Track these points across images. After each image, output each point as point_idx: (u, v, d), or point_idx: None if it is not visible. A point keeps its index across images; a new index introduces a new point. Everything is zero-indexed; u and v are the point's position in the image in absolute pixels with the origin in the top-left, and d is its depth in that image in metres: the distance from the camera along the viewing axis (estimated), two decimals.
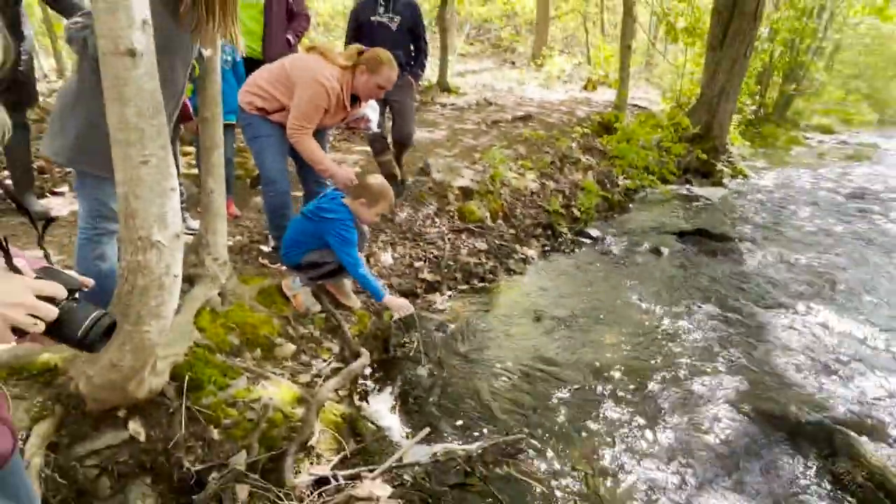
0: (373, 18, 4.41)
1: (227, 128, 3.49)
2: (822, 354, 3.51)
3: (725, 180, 8.84)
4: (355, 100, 3.32)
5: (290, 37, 4.10)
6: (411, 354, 3.30)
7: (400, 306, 3.13)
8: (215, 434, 2.25)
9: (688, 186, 8.35)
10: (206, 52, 2.42)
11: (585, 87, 12.98)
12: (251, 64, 3.76)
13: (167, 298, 1.92)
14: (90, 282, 0.99)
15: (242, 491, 2.12)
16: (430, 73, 11.25)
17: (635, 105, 11.66)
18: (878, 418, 2.88)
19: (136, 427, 2.20)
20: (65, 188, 4.29)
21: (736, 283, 4.71)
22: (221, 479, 2.11)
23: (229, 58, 3.57)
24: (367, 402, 2.82)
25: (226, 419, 2.29)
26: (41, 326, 0.86)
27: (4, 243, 0.88)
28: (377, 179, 3.09)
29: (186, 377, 2.32)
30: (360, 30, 4.45)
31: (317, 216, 3.05)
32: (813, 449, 2.60)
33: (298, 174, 3.53)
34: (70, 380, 2.12)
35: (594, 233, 5.76)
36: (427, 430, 2.44)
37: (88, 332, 0.92)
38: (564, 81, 13.56)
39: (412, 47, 4.58)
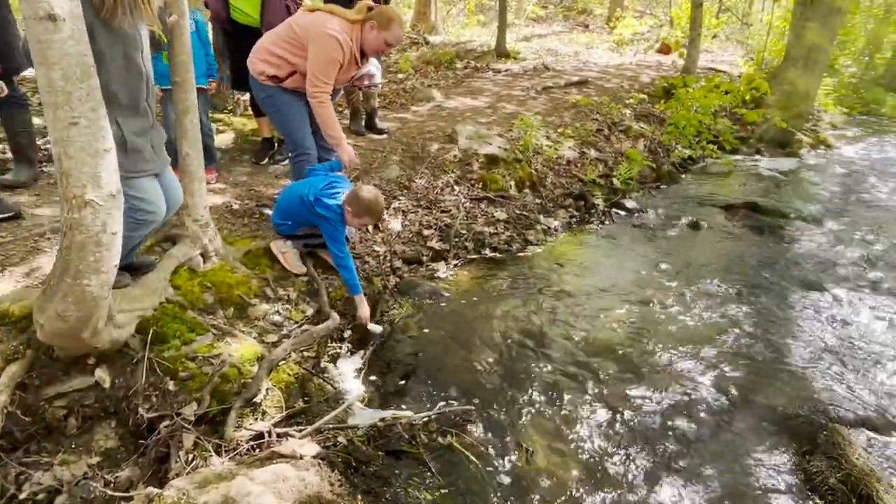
0: None
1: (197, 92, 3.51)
2: (845, 348, 3.15)
3: (803, 151, 8.03)
4: (362, 56, 3.31)
5: (289, 4, 4.09)
6: (397, 322, 3.31)
7: (364, 317, 3.12)
8: (171, 385, 2.38)
9: (756, 157, 7.70)
10: (171, 19, 2.48)
11: (659, 51, 12.18)
12: (248, 32, 3.78)
13: (106, 255, 2.02)
14: None
15: (188, 439, 2.24)
16: (489, 38, 10.97)
17: (712, 69, 10.81)
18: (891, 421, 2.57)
19: (101, 374, 2.38)
20: None
21: (775, 263, 4.31)
22: (168, 427, 2.24)
23: (191, 21, 3.61)
24: (335, 364, 2.87)
25: (183, 372, 2.42)
26: None
27: None
28: (371, 194, 3.04)
29: (151, 331, 2.47)
30: None
31: (313, 208, 3.06)
32: (792, 444, 2.36)
33: None
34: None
35: (630, 204, 5.45)
36: (360, 394, 2.45)
37: None
38: (637, 44, 12.77)
39: None
